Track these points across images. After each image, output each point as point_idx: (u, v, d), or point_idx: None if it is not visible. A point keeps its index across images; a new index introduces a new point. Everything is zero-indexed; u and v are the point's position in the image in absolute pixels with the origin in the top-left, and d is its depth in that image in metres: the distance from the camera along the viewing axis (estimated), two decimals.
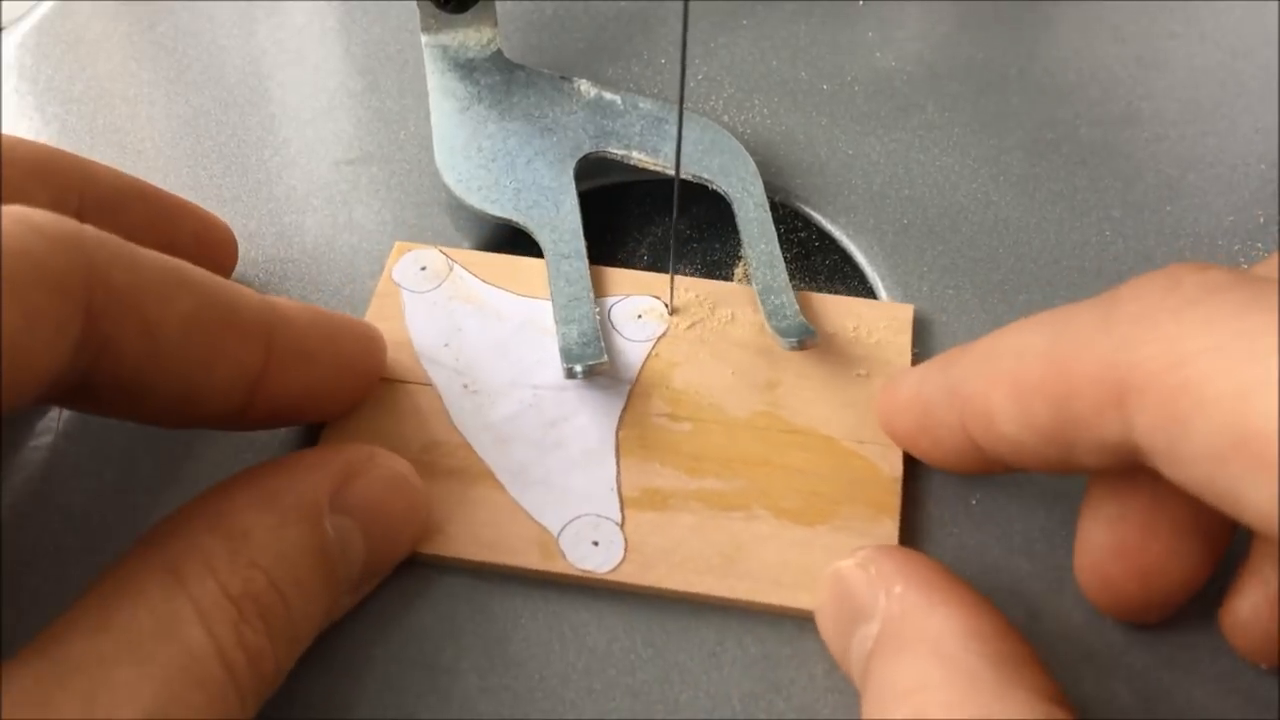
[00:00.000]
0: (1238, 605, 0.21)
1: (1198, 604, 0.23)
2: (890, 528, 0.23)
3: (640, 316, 0.27)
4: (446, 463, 0.24)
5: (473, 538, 0.23)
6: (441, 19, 0.31)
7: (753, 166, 0.29)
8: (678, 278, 0.27)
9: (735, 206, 0.28)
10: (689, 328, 0.26)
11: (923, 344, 0.27)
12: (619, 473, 0.24)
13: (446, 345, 0.26)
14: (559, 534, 0.23)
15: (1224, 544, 0.21)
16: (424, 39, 0.31)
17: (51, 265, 0.18)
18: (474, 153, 0.29)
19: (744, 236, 0.27)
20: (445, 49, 0.31)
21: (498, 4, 0.31)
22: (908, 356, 0.26)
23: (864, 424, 0.25)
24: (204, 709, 0.18)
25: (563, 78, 0.31)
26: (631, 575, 0.23)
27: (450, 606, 0.23)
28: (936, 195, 0.30)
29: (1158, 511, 0.21)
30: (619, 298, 0.27)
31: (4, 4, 0.37)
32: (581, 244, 0.27)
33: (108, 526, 0.24)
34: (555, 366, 0.25)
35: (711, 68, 0.33)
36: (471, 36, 0.31)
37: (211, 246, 0.26)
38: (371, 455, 0.22)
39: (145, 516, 0.24)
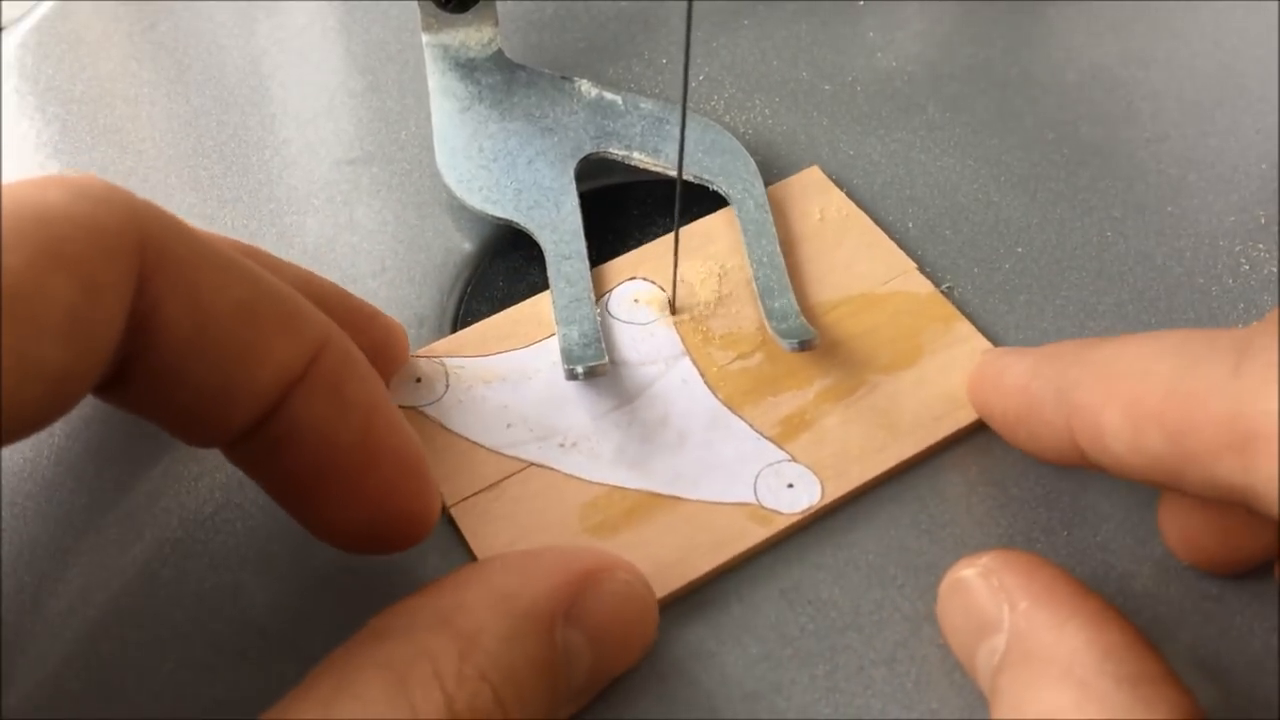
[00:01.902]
0: (1175, 515, 0.22)
1: (1198, 604, 0.23)
2: (968, 328, 0.26)
3: (637, 301, 0.27)
4: (615, 512, 0.24)
5: (699, 551, 0.23)
6: (442, 19, 0.31)
7: (753, 167, 0.29)
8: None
9: (736, 207, 0.28)
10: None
11: None
12: (749, 423, 0.25)
13: (509, 426, 0.25)
14: (756, 498, 0.24)
15: None
16: (425, 39, 0.31)
17: (105, 229, 0.17)
18: (475, 153, 0.29)
19: (745, 237, 0.27)
20: (446, 49, 0.31)
21: (499, 4, 0.31)
22: (847, 203, 0.29)
23: (875, 270, 0.27)
24: None
25: (564, 78, 0.31)
26: (840, 488, 0.24)
27: None
28: (937, 195, 0.30)
29: None
30: (604, 295, 0.27)
31: (4, 4, 0.37)
32: (582, 245, 0.27)
33: (106, 528, 0.24)
34: (616, 382, 0.25)
35: (712, 68, 0.33)
36: (472, 36, 0.31)
37: (389, 349, 0.25)
38: (610, 564, 0.21)
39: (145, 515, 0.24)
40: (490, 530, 0.23)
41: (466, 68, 0.31)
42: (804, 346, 0.25)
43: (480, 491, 0.24)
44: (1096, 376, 0.20)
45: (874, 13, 0.35)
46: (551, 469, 0.24)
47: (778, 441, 0.24)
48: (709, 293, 0.27)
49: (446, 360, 0.26)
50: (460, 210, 0.29)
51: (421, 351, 0.26)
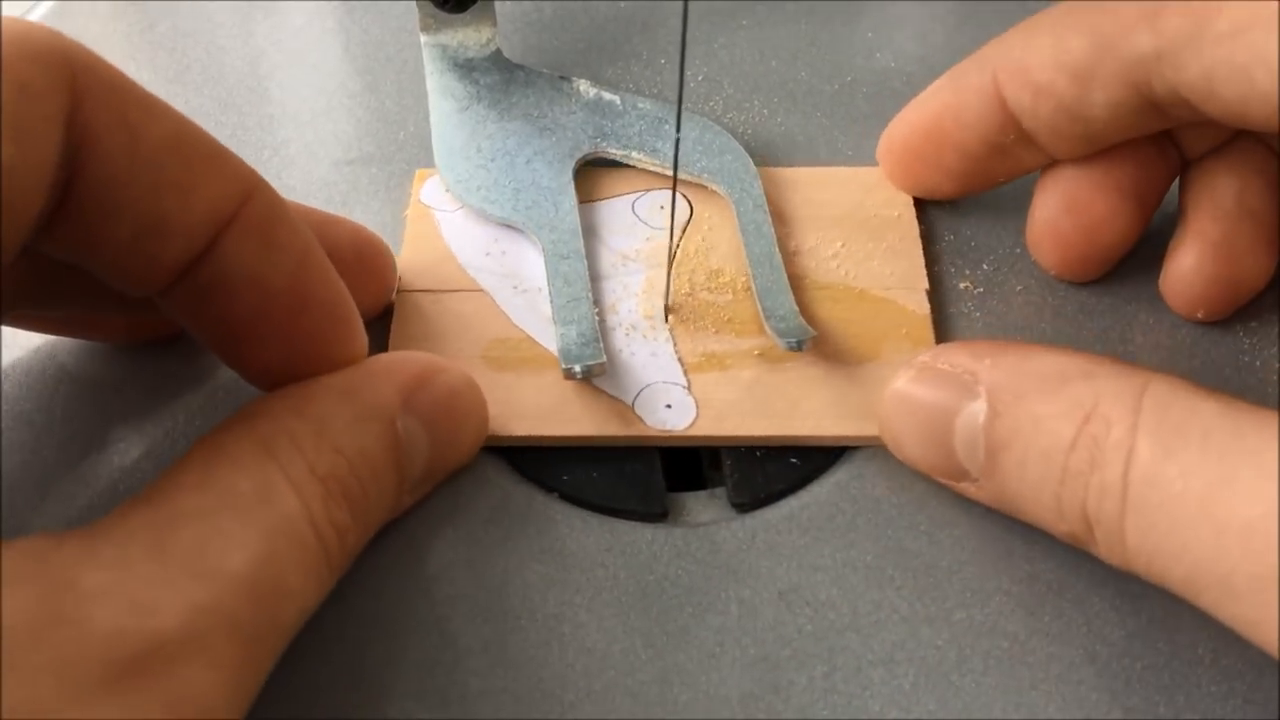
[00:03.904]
0: (1180, 262, 0.26)
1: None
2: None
3: (663, 208, 0.29)
4: (514, 355, 0.26)
5: (555, 417, 0.25)
6: (441, 19, 0.31)
7: (752, 167, 0.29)
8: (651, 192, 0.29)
9: (735, 207, 0.28)
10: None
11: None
12: (676, 343, 0.26)
13: (488, 254, 0.28)
14: (633, 402, 0.25)
15: (1154, 206, 0.26)
16: (423, 39, 0.31)
17: (34, 42, 0.18)
18: (473, 153, 0.29)
19: (743, 237, 0.27)
20: (444, 49, 0.31)
21: (497, 4, 0.31)
22: (909, 206, 0.29)
23: (886, 274, 0.27)
24: (300, 569, 0.19)
25: (562, 78, 0.31)
26: (706, 429, 0.25)
27: (449, 608, 0.23)
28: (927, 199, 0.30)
29: (1103, 175, 0.26)
30: (639, 193, 0.29)
31: (4, 4, 0.37)
32: (580, 244, 0.27)
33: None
34: (592, 259, 0.27)
35: (711, 68, 0.33)
36: (471, 36, 0.31)
37: (371, 257, 0.26)
38: (440, 365, 0.23)
39: None
40: (412, 323, 0.26)
41: (465, 68, 0.31)
42: (801, 346, 0.25)
43: (426, 291, 0.27)
44: (1019, 30, 0.25)
45: (874, 13, 0.35)
46: (493, 301, 0.27)
47: (688, 369, 0.26)
48: (719, 221, 0.28)
49: None
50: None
51: None
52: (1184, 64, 0.22)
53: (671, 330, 0.26)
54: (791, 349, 0.25)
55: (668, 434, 0.25)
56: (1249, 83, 0.21)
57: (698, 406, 0.25)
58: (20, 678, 0.15)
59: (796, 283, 0.27)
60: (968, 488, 0.23)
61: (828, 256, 0.28)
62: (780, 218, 0.28)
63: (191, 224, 0.20)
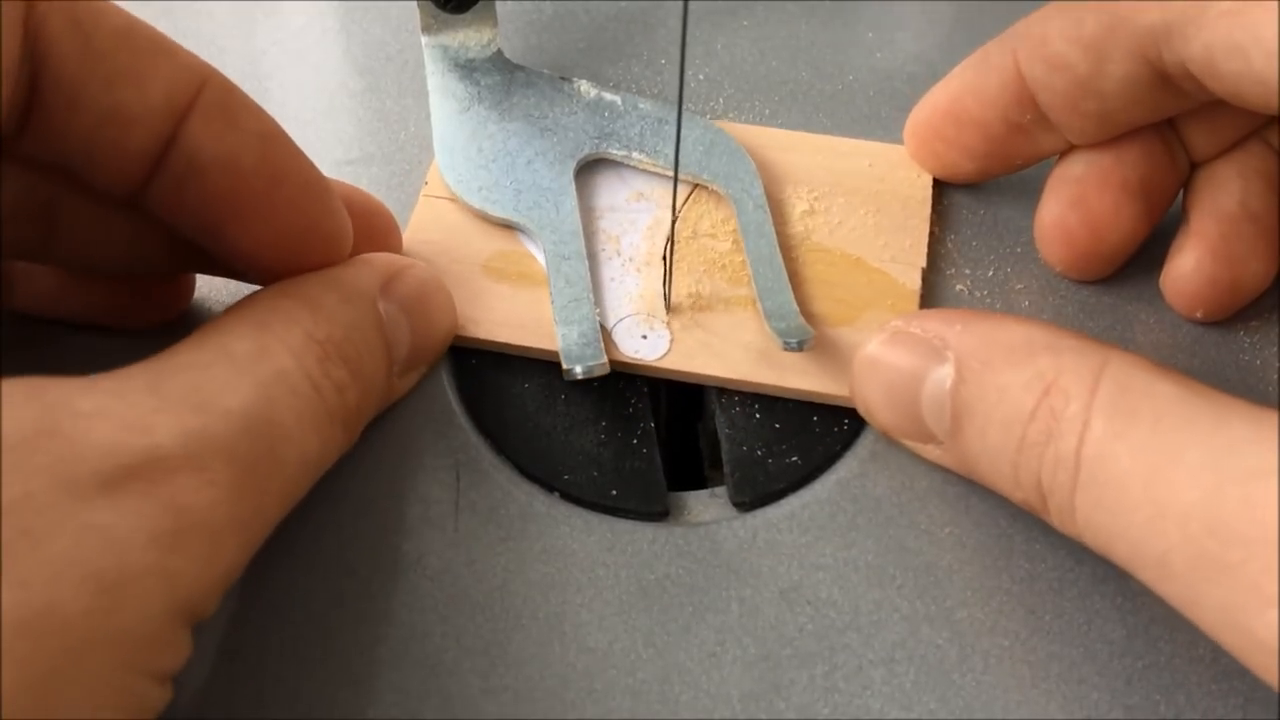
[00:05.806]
0: (1180, 262, 0.26)
1: None
2: None
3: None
4: (513, 269, 0.27)
5: (536, 330, 0.26)
6: (442, 19, 0.31)
7: (752, 167, 0.29)
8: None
9: (735, 207, 0.28)
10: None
11: None
12: (666, 281, 0.27)
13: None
14: (612, 329, 0.26)
15: (1162, 209, 0.27)
16: (424, 39, 0.31)
17: None
18: (474, 153, 0.29)
19: (744, 237, 0.27)
20: (445, 49, 0.31)
21: (498, 4, 0.31)
22: (927, 188, 0.29)
23: (887, 247, 0.28)
24: (297, 416, 0.20)
25: (563, 78, 0.31)
26: (675, 363, 0.26)
27: (450, 607, 0.23)
28: (936, 195, 0.30)
29: (1112, 173, 0.26)
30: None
31: None
32: (581, 245, 0.27)
33: None
34: (609, 192, 0.29)
35: (712, 68, 0.33)
36: (472, 37, 0.31)
37: (368, 217, 0.26)
38: (410, 261, 0.25)
39: None
40: (429, 224, 0.28)
41: (466, 68, 0.31)
42: (801, 346, 0.25)
43: (448, 199, 0.29)
44: (1039, 13, 0.26)
45: (874, 13, 0.35)
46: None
47: (672, 306, 0.27)
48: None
49: None
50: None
51: None
52: (1189, 38, 0.22)
53: (668, 268, 0.27)
54: (790, 349, 0.25)
55: (637, 362, 0.26)
56: (1245, 61, 0.21)
57: (672, 342, 0.26)
58: (17, 477, 0.16)
59: (798, 241, 0.28)
60: (932, 450, 0.23)
61: (834, 221, 0.28)
62: (801, 177, 0.29)
63: (150, 111, 0.21)
